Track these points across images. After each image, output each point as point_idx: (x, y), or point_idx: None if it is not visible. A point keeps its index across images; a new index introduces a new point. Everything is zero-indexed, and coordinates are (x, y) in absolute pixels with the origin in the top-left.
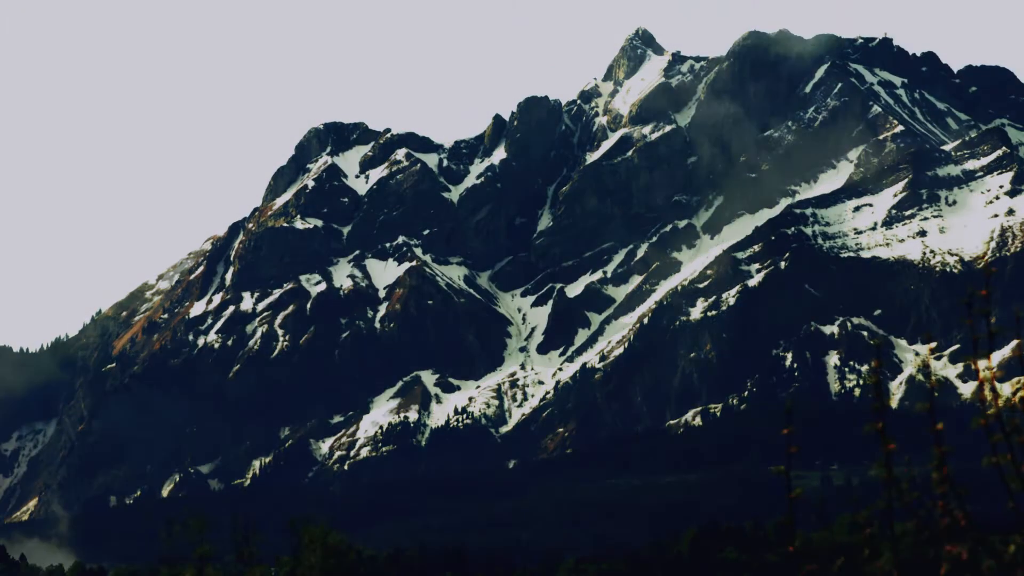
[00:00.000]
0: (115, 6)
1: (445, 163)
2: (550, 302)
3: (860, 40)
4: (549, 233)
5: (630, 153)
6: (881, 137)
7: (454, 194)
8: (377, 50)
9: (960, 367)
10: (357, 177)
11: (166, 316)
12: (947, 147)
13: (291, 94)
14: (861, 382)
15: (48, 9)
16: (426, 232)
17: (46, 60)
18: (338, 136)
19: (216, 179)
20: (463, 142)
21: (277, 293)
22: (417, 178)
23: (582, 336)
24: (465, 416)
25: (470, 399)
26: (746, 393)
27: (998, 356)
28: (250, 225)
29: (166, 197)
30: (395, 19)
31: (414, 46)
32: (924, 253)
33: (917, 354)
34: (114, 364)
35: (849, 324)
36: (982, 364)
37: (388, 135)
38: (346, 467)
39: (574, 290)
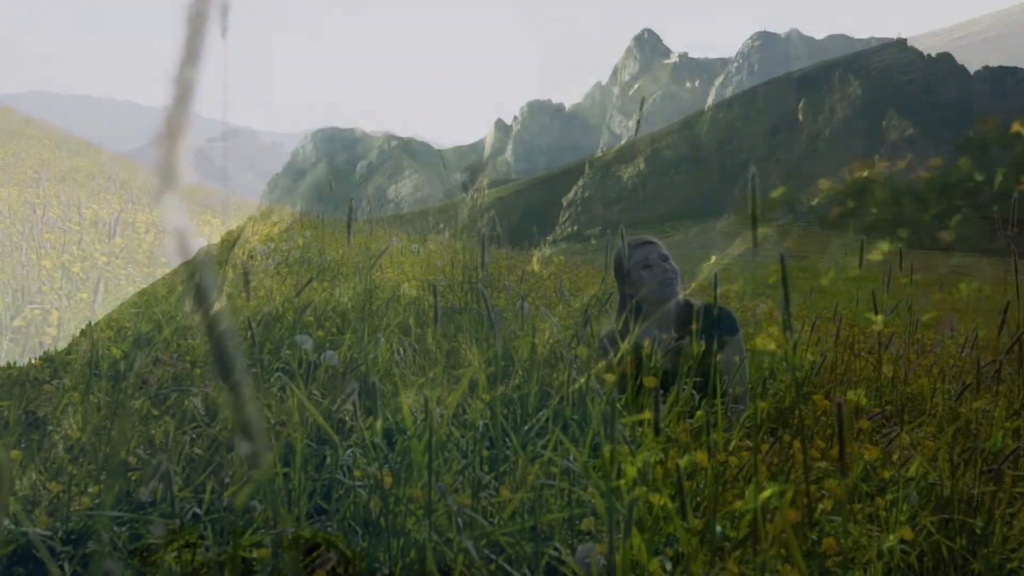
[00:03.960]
0: (110, 7)
1: (446, 168)
2: None
3: (873, 41)
4: (554, 241)
5: (636, 158)
6: (896, 140)
7: (456, 200)
8: (375, 52)
9: None
10: (356, 181)
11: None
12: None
13: (288, 97)
14: None
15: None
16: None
17: None
18: (336, 140)
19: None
20: (464, 147)
21: None
22: (417, 184)
23: None
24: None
25: None
26: None
27: None
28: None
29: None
30: (394, 20)
31: (412, 48)
32: None
33: None
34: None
35: None
36: None
37: (387, 139)
38: None
39: (580, 299)
